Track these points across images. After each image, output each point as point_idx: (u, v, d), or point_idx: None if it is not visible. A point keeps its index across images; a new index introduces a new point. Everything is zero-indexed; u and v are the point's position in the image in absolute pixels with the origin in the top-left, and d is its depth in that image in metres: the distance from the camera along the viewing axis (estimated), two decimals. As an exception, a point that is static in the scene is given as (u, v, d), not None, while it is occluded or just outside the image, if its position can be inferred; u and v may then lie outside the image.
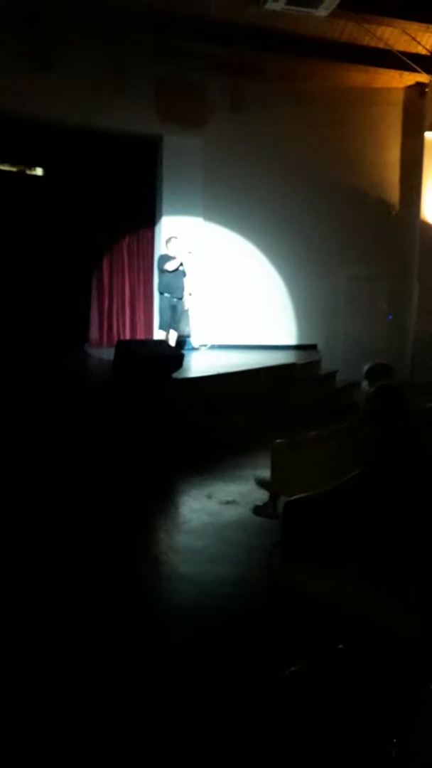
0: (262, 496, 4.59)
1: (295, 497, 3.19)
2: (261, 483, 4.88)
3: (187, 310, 8.84)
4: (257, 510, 4.43)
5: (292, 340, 9.71)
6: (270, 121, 9.13)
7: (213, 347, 9.20)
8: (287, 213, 9.34)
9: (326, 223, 9.51)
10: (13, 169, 9.13)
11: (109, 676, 2.55)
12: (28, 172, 9.27)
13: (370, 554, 2.94)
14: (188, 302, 8.63)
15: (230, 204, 9.15)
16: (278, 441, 4.45)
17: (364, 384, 4.41)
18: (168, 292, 8.23)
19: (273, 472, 4.37)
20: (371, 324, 9.84)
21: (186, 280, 8.37)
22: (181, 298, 8.33)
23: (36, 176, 9.26)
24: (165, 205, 9.07)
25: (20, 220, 8.67)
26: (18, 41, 7.71)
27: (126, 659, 2.68)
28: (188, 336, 9.05)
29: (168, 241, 8.33)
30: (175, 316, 8.30)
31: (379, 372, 4.31)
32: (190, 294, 8.49)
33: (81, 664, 2.62)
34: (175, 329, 8.37)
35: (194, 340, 9.23)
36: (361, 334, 9.62)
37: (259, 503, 4.50)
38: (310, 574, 2.92)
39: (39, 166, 9.20)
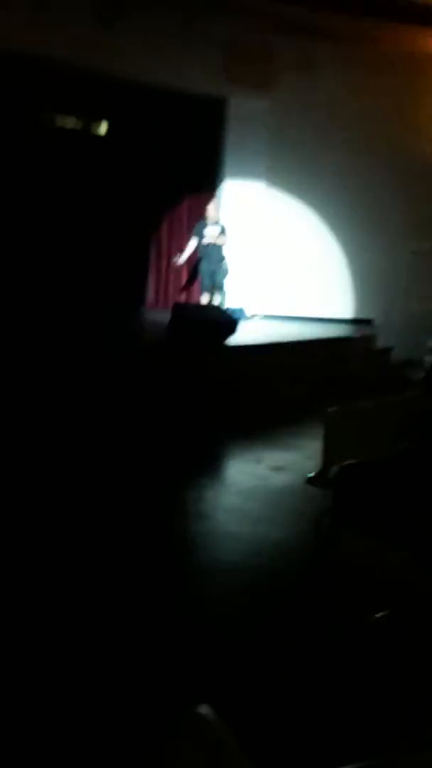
0: (313, 465, 4.56)
1: (348, 463, 3.17)
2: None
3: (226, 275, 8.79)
4: (311, 480, 4.39)
5: (347, 313, 9.54)
6: (339, 86, 8.83)
7: (266, 317, 9.13)
8: (351, 181, 9.08)
9: (391, 194, 9.21)
10: (76, 125, 9.13)
11: (151, 626, 2.60)
12: (91, 129, 9.26)
13: (421, 525, 2.91)
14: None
15: (294, 169, 8.96)
16: (332, 409, 4.40)
17: (430, 358, 4.29)
18: (205, 259, 8.24)
19: (325, 440, 4.34)
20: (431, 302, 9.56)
21: (225, 249, 8.31)
22: (220, 262, 8.29)
23: (98, 134, 9.26)
24: (228, 168, 8.95)
25: (80, 178, 8.71)
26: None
27: (171, 608, 2.74)
28: (223, 303, 8.97)
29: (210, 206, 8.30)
30: (214, 281, 8.29)
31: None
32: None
33: (122, 612, 2.68)
34: (216, 294, 8.38)
35: (247, 310, 9.17)
36: (420, 312, 9.36)
37: (312, 473, 4.46)
38: (359, 541, 2.92)
39: (102, 122, 9.16)
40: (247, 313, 9.13)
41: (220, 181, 9.13)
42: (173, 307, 7.04)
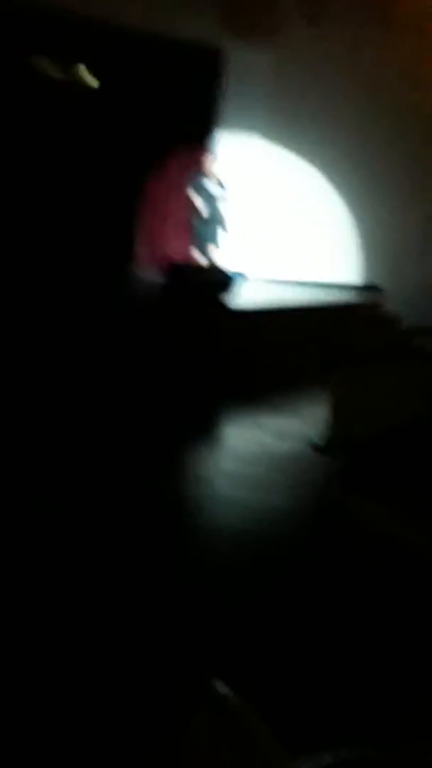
0: (315, 432, 4.39)
1: (358, 431, 3.04)
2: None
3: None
4: (318, 447, 4.19)
5: (353, 278, 9.27)
6: (350, 40, 8.36)
7: (265, 280, 8.84)
8: (361, 142, 8.68)
9: (404, 156, 8.85)
10: (65, 73, 8.68)
11: (148, 590, 2.47)
12: (80, 77, 8.81)
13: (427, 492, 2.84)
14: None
15: (297, 125, 8.54)
16: (338, 377, 4.23)
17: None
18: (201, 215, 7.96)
19: (332, 407, 4.16)
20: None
21: (223, 206, 8.00)
22: (216, 219, 7.99)
23: (88, 83, 8.82)
24: (226, 122, 8.53)
25: (67, 129, 8.30)
26: None
27: (168, 572, 2.59)
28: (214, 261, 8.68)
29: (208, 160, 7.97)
30: (210, 239, 8.01)
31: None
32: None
33: (120, 578, 2.54)
34: (211, 252, 8.09)
35: (245, 271, 8.88)
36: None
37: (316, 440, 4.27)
38: (369, 507, 2.80)
39: (91, 70, 8.70)
40: (245, 274, 8.85)
41: (217, 134, 8.73)
42: (169, 266, 6.79)
